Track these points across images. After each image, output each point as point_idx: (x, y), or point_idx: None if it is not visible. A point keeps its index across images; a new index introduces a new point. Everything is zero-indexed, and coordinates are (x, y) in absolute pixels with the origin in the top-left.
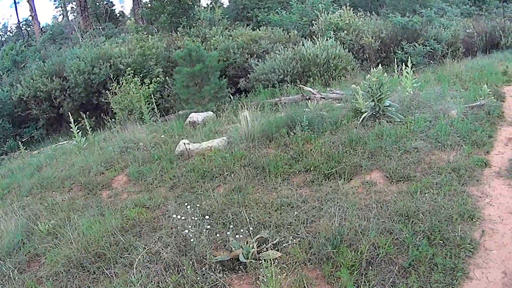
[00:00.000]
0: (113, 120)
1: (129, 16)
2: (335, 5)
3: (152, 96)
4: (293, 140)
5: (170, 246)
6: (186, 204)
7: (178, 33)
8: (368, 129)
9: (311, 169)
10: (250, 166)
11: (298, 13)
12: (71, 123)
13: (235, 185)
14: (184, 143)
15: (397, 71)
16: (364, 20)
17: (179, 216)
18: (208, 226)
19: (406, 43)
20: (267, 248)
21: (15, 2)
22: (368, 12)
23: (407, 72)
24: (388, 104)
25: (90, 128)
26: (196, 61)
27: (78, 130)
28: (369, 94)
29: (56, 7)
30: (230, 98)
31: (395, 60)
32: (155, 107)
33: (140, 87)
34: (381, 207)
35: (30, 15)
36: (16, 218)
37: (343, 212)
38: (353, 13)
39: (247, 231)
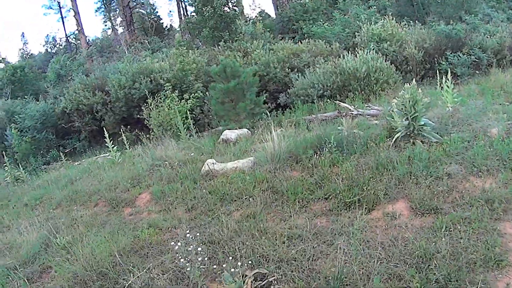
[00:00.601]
0: (147, 135)
1: (177, 29)
2: (378, 15)
3: (189, 112)
4: (318, 163)
5: (168, 272)
6: (187, 232)
7: (219, 47)
8: (401, 150)
9: (332, 196)
10: (270, 190)
11: (340, 25)
12: (106, 138)
13: (251, 211)
14: (208, 164)
15: (440, 84)
16: (407, 29)
17: (179, 243)
18: (202, 257)
19: (450, 53)
20: (262, 286)
21: (61, 17)
22: (413, 21)
23: (447, 86)
24: (423, 123)
25: (128, 142)
26: (231, 77)
27: (113, 145)
28: (402, 112)
29: (104, 22)
30: (266, 114)
31: (438, 72)
32: (191, 123)
33: (177, 102)
34: (396, 246)
35: (77, 29)
36: (38, 230)
37: (354, 249)
38: (396, 22)
39: (246, 265)
